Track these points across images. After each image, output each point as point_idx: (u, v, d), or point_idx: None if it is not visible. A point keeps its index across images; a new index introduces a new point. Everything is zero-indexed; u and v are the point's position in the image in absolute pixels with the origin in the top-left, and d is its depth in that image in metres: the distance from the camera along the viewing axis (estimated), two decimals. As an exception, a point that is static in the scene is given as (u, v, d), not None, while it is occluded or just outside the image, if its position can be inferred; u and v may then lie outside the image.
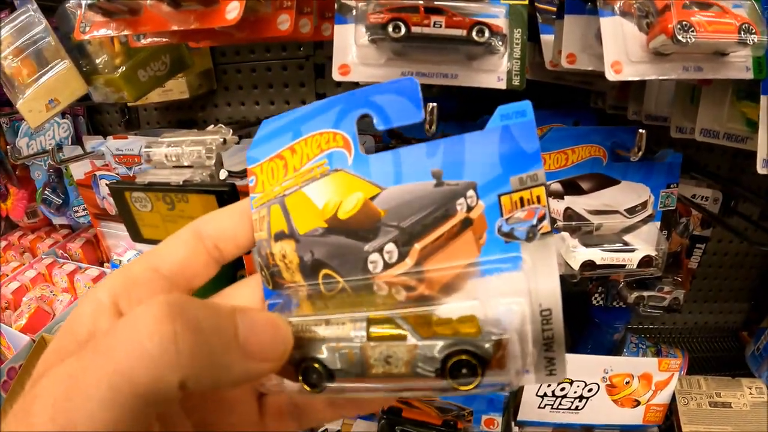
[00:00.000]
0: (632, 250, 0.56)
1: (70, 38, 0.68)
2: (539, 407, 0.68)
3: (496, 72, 0.48)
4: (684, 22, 0.43)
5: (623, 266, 0.55)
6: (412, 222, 0.24)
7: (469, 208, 0.23)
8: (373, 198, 0.24)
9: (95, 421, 0.16)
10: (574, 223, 0.57)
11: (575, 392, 0.68)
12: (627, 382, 0.68)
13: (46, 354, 0.22)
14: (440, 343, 0.21)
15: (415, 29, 0.44)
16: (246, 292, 0.27)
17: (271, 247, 0.26)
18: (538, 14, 0.62)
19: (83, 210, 0.83)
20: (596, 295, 0.78)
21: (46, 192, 0.85)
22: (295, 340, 0.23)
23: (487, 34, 0.44)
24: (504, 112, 0.22)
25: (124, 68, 0.63)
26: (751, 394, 0.70)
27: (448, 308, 0.22)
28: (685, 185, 0.72)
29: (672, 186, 0.59)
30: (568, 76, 0.71)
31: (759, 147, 0.51)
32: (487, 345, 0.21)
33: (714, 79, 0.55)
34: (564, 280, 0.59)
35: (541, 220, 0.21)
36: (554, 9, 0.60)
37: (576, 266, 0.55)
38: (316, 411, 0.27)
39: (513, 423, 0.68)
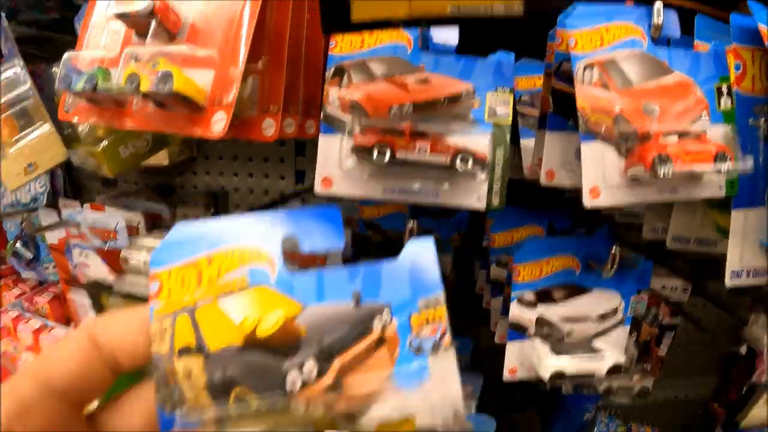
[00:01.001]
0: (601, 358, 0.57)
1: (54, 101, 0.67)
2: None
3: (475, 193, 0.49)
4: (662, 155, 0.45)
5: (592, 375, 0.56)
6: (332, 339, 0.25)
7: (384, 326, 0.25)
8: (295, 316, 0.25)
9: None
10: (545, 329, 0.58)
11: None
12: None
13: None
14: None
15: (399, 154, 0.45)
16: (141, 407, 0.25)
17: (173, 363, 0.24)
18: (519, 117, 0.63)
19: (54, 267, 0.80)
20: (565, 384, 0.78)
21: (17, 245, 0.82)
22: None
23: (470, 163, 0.45)
24: (412, 248, 0.26)
25: (106, 143, 0.63)
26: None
27: (386, 409, 0.24)
28: (656, 276, 0.74)
29: (642, 292, 0.60)
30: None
31: (729, 259, 0.53)
32: None
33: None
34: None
35: (443, 335, 0.25)
36: (535, 112, 0.62)
37: (546, 376, 0.55)
38: None
39: None
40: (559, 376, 0.54)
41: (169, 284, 0.25)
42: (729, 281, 0.53)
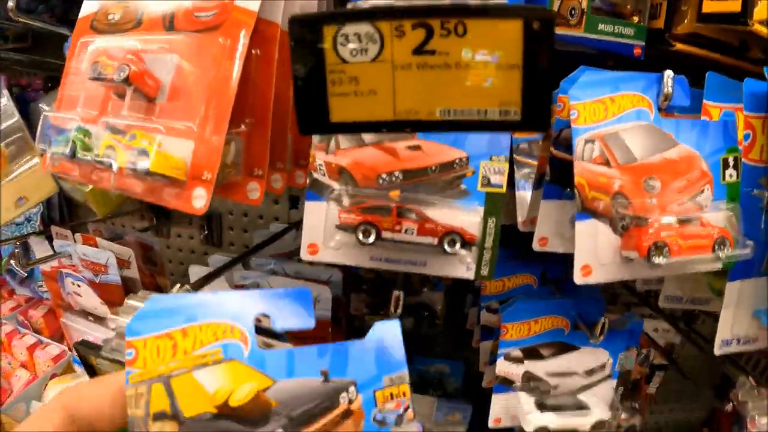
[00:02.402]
0: (586, 414, 0.58)
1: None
2: None
3: (464, 263, 0.48)
4: (659, 243, 0.44)
5: (575, 431, 0.58)
6: (300, 412, 0.27)
7: (350, 401, 0.27)
8: (266, 389, 0.27)
9: None
10: (531, 383, 0.59)
11: None
12: None
13: None
14: None
15: (385, 234, 0.44)
16: None
17: (147, 426, 0.26)
18: (516, 166, 0.62)
19: (49, 285, 0.82)
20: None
21: (11, 262, 0.84)
22: None
23: (458, 245, 0.44)
24: (378, 328, 0.28)
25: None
26: None
27: None
28: (648, 319, 0.74)
29: (631, 348, 0.61)
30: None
31: (719, 328, 0.53)
32: None
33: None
34: None
35: (406, 409, 0.28)
36: (533, 163, 0.60)
37: (530, 430, 0.57)
38: None
39: None
40: (542, 431, 0.56)
41: (144, 353, 0.27)
42: (718, 350, 0.53)
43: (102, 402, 0.26)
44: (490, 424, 0.61)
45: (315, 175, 0.48)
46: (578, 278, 0.47)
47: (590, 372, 0.59)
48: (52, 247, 0.70)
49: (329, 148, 0.48)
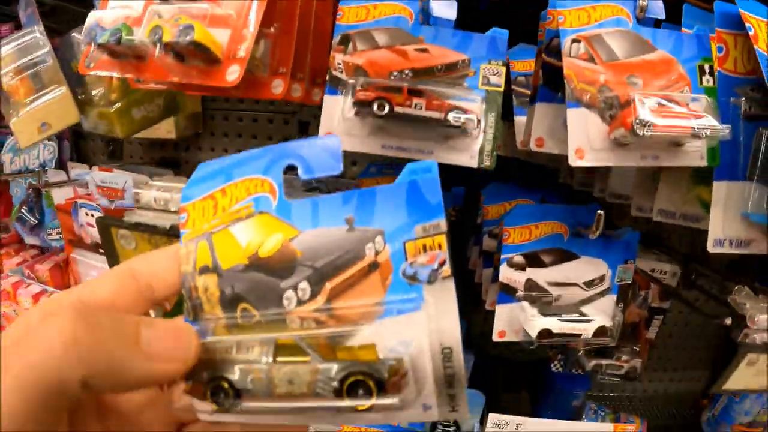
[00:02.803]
0: (588, 321, 0.60)
1: (71, 66, 0.73)
2: (495, 468, 0.71)
3: (468, 151, 0.54)
4: (642, 119, 0.50)
5: (579, 335, 0.60)
6: (325, 263, 0.26)
7: (377, 252, 0.26)
8: (291, 239, 0.27)
9: (5, 406, 0.20)
10: (534, 293, 0.62)
11: (531, 455, 0.71)
12: (581, 449, 0.71)
13: None
14: (338, 366, 0.25)
15: (398, 109, 0.50)
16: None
17: (195, 280, 0.28)
18: (513, 96, 0.68)
19: (57, 233, 0.84)
20: (556, 362, 0.82)
21: (22, 210, 0.86)
22: (207, 361, 0.26)
23: (462, 118, 0.50)
24: (412, 169, 0.26)
25: (119, 104, 0.67)
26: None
27: (357, 336, 0.25)
28: (646, 260, 0.78)
29: (629, 262, 0.64)
30: (538, 155, 0.77)
31: (711, 227, 0.57)
32: (382, 369, 0.24)
33: (671, 165, 0.62)
34: (524, 346, 0.64)
35: (442, 264, 0.25)
36: (528, 92, 0.67)
37: (533, 334, 0.59)
38: None
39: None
40: (546, 334, 0.58)
41: (193, 215, 0.29)
42: (711, 248, 0.57)
43: (160, 264, 0.28)
44: (495, 337, 0.63)
45: (334, 73, 0.54)
46: (572, 160, 0.52)
47: (590, 283, 0.63)
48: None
49: (347, 50, 0.54)
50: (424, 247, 0.25)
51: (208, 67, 0.50)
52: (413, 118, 0.50)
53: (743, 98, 0.58)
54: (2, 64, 0.72)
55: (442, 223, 0.25)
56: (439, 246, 0.25)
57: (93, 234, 0.74)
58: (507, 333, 0.63)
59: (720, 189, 0.57)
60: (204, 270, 0.28)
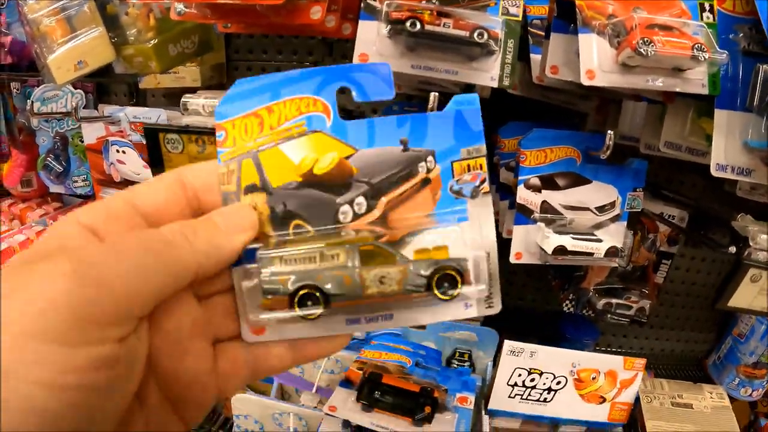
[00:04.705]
0: (600, 241, 0.68)
1: (106, 8, 0.80)
2: (509, 397, 0.77)
3: (489, 72, 0.62)
4: (646, 39, 0.58)
5: (591, 254, 0.67)
6: (380, 179, 0.30)
7: (429, 170, 0.30)
8: (347, 157, 0.30)
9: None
10: (549, 215, 0.69)
11: (544, 384, 0.77)
12: (593, 378, 0.78)
13: (11, 260, 0.26)
14: (426, 263, 0.29)
15: (428, 27, 0.58)
16: None
17: (239, 199, 0.30)
18: (529, 37, 0.77)
19: (83, 180, 0.91)
20: (567, 302, 0.89)
21: (49, 158, 0.93)
22: (289, 272, 0.29)
23: (485, 36, 0.58)
24: (458, 100, 0.30)
25: (156, 40, 0.75)
26: (711, 398, 0.81)
27: (424, 240, 0.30)
28: (655, 204, 0.86)
29: (638, 190, 0.72)
30: (553, 95, 0.86)
31: (713, 152, 0.65)
32: (463, 264, 0.29)
33: (677, 96, 0.70)
34: (538, 297, 0.70)
35: (482, 182, 0.30)
36: (543, 33, 0.76)
37: (549, 250, 0.66)
38: (273, 357, 0.30)
39: (483, 412, 0.77)
40: (561, 250, 0.65)
41: (233, 132, 0.30)
42: (714, 172, 0.65)
43: (209, 175, 0.30)
44: (512, 258, 0.70)
45: (369, 1, 0.62)
46: (584, 80, 0.60)
47: (601, 209, 0.70)
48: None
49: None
50: (468, 167, 0.30)
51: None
52: (441, 36, 0.58)
53: (741, 34, 0.66)
54: (39, 6, 0.80)
55: (483, 147, 0.30)
56: (480, 167, 0.30)
57: (123, 170, 0.81)
58: (523, 255, 0.71)
59: (721, 117, 0.65)
60: (251, 189, 0.30)
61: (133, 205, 0.28)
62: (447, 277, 0.29)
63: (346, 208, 0.29)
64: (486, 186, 0.30)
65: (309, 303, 0.29)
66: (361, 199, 0.30)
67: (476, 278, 0.29)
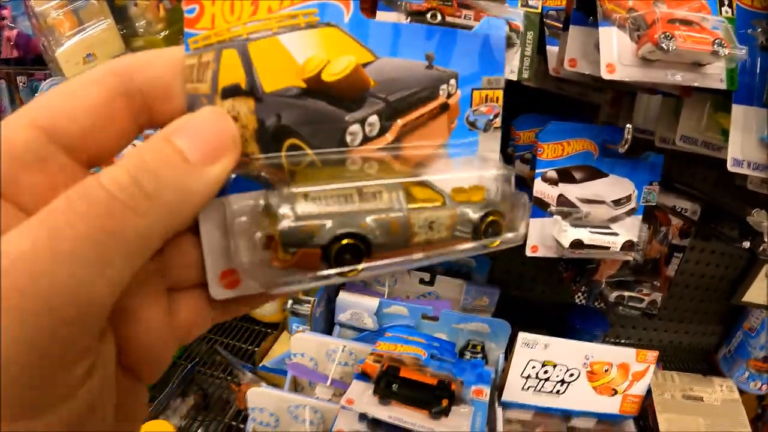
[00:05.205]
0: (616, 234, 0.69)
1: (114, 1, 0.80)
2: (523, 389, 0.79)
3: (509, 65, 0.62)
4: (667, 33, 0.58)
5: (608, 248, 0.68)
6: (399, 97, 0.25)
7: (449, 95, 0.26)
8: (365, 65, 0.24)
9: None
10: (565, 209, 0.70)
11: (557, 376, 0.79)
12: (606, 370, 0.79)
13: None
14: (476, 206, 0.26)
15: (449, 18, 0.58)
16: None
17: (213, 104, 0.22)
18: (546, 28, 0.77)
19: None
20: (579, 294, 0.90)
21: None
22: (323, 215, 0.22)
23: (507, 29, 0.58)
24: (489, 23, 0.31)
25: (167, 32, 0.75)
26: (722, 391, 0.82)
27: (459, 178, 0.27)
28: (667, 197, 0.87)
29: (654, 183, 0.73)
30: (568, 87, 0.86)
31: (730, 148, 0.66)
32: (504, 207, 0.27)
33: (694, 90, 0.71)
34: (548, 289, 0.71)
35: (495, 116, 0.28)
36: (560, 25, 0.76)
37: (566, 244, 0.67)
38: (242, 300, 0.24)
39: (497, 404, 0.78)
40: (577, 244, 0.66)
41: (212, 9, 0.21)
42: (731, 167, 0.66)
43: (160, 71, 0.21)
44: (528, 252, 0.71)
45: (385, -9, 0.62)
46: (604, 74, 0.60)
47: (617, 202, 0.71)
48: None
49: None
50: (486, 98, 0.27)
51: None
52: (463, 27, 0.58)
53: (760, 29, 0.67)
54: (47, -2, 0.79)
55: (502, 79, 0.28)
56: (497, 99, 0.28)
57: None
58: (539, 248, 0.71)
59: (738, 112, 0.66)
60: (232, 91, 0.22)
61: (49, 137, 0.19)
62: (493, 222, 0.26)
63: (356, 127, 0.24)
64: (498, 120, 0.28)
65: (347, 256, 0.22)
66: (374, 119, 0.24)
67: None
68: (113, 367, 0.20)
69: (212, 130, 0.20)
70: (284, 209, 0.21)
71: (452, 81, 0.26)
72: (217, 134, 0.20)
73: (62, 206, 0.17)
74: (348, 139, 0.24)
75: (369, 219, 0.23)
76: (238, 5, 0.22)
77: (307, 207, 0.22)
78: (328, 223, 0.22)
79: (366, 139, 0.24)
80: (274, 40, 0.22)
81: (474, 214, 0.26)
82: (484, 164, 0.28)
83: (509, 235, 0.27)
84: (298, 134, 0.23)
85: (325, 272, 0.22)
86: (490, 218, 0.26)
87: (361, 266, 0.23)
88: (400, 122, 0.25)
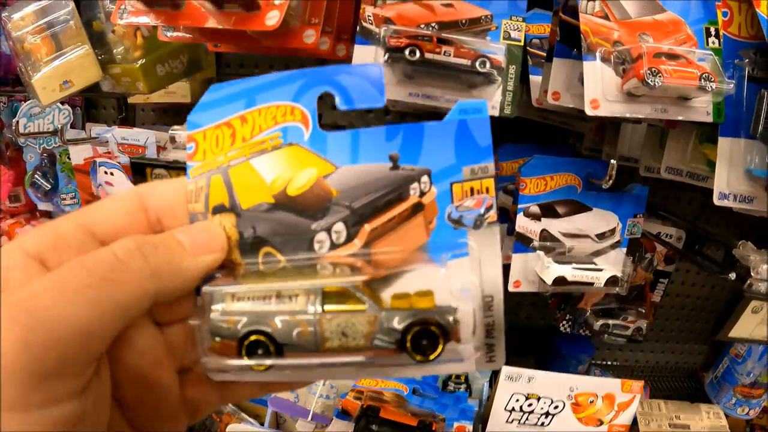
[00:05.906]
0: (600, 270, 0.66)
1: (92, 25, 0.76)
2: (507, 422, 0.76)
3: (490, 101, 0.59)
4: (653, 69, 0.55)
5: (591, 284, 0.65)
6: (364, 203, 0.25)
7: (422, 194, 0.25)
8: (326, 176, 0.25)
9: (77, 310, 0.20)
10: (548, 243, 0.67)
11: (542, 408, 0.76)
12: (591, 401, 0.76)
13: None
14: (401, 315, 0.23)
15: (428, 55, 0.55)
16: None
17: (207, 220, 0.26)
18: (529, 57, 0.74)
19: (71, 198, 0.87)
20: (564, 323, 0.87)
21: (36, 175, 0.89)
22: (240, 312, 0.24)
23: (488, 65, 0.55)
24: (463, 108, 0.24)
25: (144, 60, 0.71)
26: (708, 418, 0.80)
27: (405, 282, 0.24)
28: (652, 223, 0.84)
29: (638, 216, 0.70)
30: (551, 116, 0.83)
31: (716, 181, 0.63)
32: (448, 317, 0.23)
33: (679, 121, 0.68)
34: (531, 313, 0.69)
35: (488, 209, 0.24)
36: (544, 54, 0.73)
37: (549, 281, 0.64)
38: (241, 388, 0.27)
39: (481, 436, 0.75)
40: (561, 281, 0.63)
41: (204, 145, 0.26)
42: (717, 201, 0.63)
43: (172, 197, 0.26)
44: (510, 287, 0.68)
45: (364, 24, 0.58)
46: (588, 110, 0.57)
47: (601, 236, 0.68)
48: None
49: (377, 3, 0.59)
50: (472, 190, 0.24)
51: (246, 14, 0.55)
52: (442, 64, 0.55)
53: (747, 59, 0.64)
54: (24, 23, 0.76)
55: (491, 166, 0.24)
56: (487, 190, 0.24)
57: (112, 192, 0.78)
58: (522, 283, 0.68)
59: (725, 145, 0.63)
60: (219, 209, 0.26)
61: (86, 229, 0.24)
62: (426, 333, 0.23)
63: (322, 235, 0.25)
64: (493, 214, 0.24)
65: (260, 351, 0.24)
66: (339, 226, 0.25)
67: (472, 333, 0.24)
68: (108, 397, 0.23)
69: (206, 234, 0.25)
70: (216, 305, 0.25)
71: (424, 178, 0.25)
72: (209, 237, 0.25)
73: (75, 262, 0.22)
74: (316, 246, 0.25)
75: (277, 319, 0.24)
76: (221, 139, 0.26)
77: (232, 305, 0.24)
78: (242, 320, 0.24)
79: (334, 246, 0.25)
80: (247, 165, 0.26)
81: (398, 323, 0.23)
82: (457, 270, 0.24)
83: (459, 347, 0.23)
84: (271, 243, 0.25)
85: (238, 362, 0.24)
86: (420, 328, 0.23)
87: (269, 361, 0.24)
88: (367, 227, 0.25)
